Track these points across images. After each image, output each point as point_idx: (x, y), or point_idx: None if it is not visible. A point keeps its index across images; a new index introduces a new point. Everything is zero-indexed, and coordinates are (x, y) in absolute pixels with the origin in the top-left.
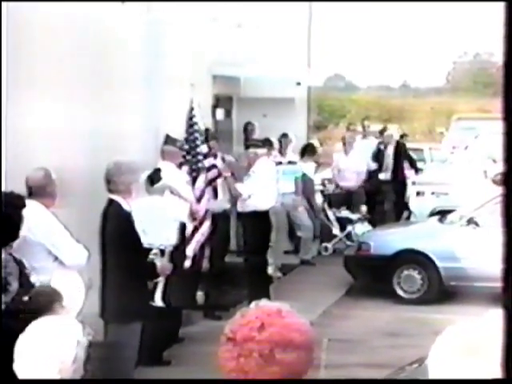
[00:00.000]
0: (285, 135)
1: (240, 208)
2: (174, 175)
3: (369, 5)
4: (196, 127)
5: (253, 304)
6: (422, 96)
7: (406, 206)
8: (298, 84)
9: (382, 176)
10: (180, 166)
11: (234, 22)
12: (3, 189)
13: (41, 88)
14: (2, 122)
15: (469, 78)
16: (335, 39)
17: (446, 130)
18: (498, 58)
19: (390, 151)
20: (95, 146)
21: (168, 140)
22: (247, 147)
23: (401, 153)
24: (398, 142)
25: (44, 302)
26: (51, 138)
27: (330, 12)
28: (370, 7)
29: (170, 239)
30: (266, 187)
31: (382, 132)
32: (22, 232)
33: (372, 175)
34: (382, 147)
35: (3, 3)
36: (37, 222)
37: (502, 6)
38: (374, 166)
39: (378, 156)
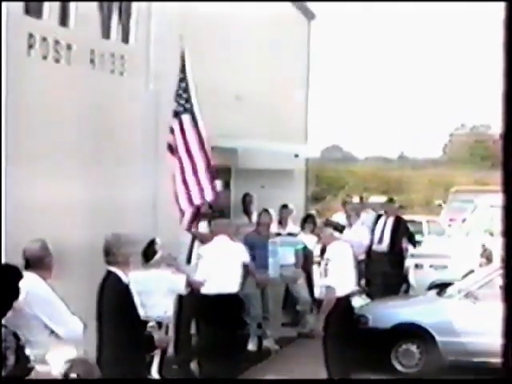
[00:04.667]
0: (285, 206)
1: (317, 294)
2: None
3: (366, 75)
4: None
5: None
6: (420, 168)
7: (404, 279)
8: (296, 156)
9: (380, 248)
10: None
11: (232, 94)
12: (2, 261)
13: (39, 161)
14: (1, 196)
15: (466, 151)
16: (333, 110)
17: (444, 202)
18: (495, 130)
19: (389, 224)
20: (93, 219)
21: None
22: (325, 225)
23: (400, 226)
24: (397, 216)
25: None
26: (50, 211)
27: (328, 84)
28: (367, 78)
29: (168, 311)
30: (345, 271)
31: (385, 204)
32: (19, 305)
33: (370, 247)
34: (383, 219)
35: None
36: (33, 296)
37: (499, 81)
38: (372, 238)
39: (378, 228)
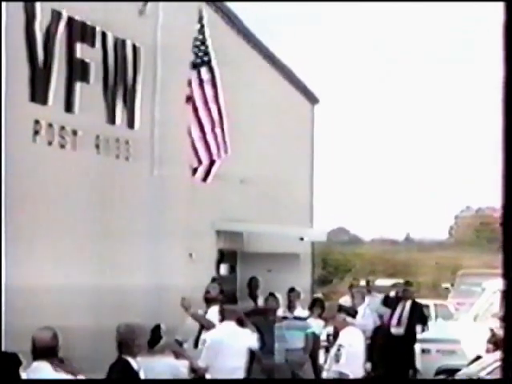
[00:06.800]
0: (292, 289)
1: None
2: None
3: (370, 158)
4: None
5: None
6: (427, 250)
7: (411, 364)
8: (301, 239)
9: (397, 331)
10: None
11: (237, 178)
12: (3, 347)
13: (42, 244)
14: (1, 277)
15: (472, 233)
16: (338, 193)
17: (451, 285)
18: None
19: (407, 308)
20: (97, 302)
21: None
22: (338, 310)
23: (416, 311)
24: (414, 301)
25: None
26: (51, 294)
27: (333, 166)
28: (372, 160)
29: None
30: (357, 358)
31: (402, 287)
32: None
33: (375, 330)
34: (402, 303)
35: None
36: None
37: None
38: (378, 321)
39: (397, 311)
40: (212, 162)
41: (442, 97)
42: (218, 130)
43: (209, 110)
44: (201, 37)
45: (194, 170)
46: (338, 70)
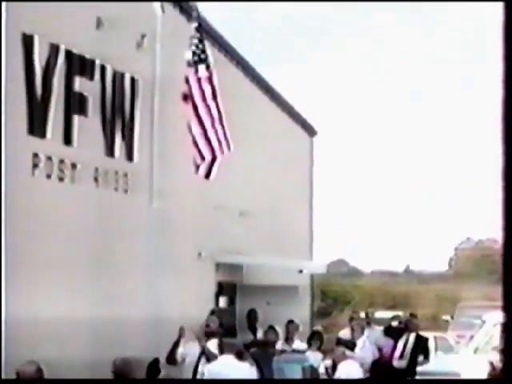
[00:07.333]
0: (291, 322)
1: None
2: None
3: (369, 189)
4: None
5: None
6: (427, 282)
7: None
8: (301, 271)
9: (400, 364)
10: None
11: (237, 210)
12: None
13: (41, 275)
14: (1, 310)
15: (472, 265)
16: (337, 224)
17: (451, 317)
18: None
19: (411, 341)
20: (95, 335)
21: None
22: (337, 343)
23: (420, 344)
24: (418, 334)
25: None
26: (50, 327)
27: (332, 198)
28: (371, 192)
29: None
30: None
31: (402, 317)
32: None
33: (378, 362)
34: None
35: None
36: None
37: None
38: (377, 354)
39: (400, 344)
40: (214, 158)
41: (443, 130)
42: (218, 126)
43: (208, 106)
44: (198, 35)
45: (197, 168)
46: (337, 102)
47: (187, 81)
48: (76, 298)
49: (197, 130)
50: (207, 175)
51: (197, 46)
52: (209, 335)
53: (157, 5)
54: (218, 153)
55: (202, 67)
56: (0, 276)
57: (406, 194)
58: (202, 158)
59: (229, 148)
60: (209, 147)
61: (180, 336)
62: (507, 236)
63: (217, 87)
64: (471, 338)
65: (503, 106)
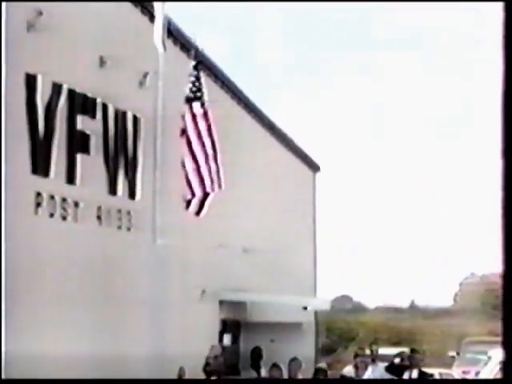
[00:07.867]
0: (294, 359)
1: None
2: None
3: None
4: None
5: None
6: (431, 317)
7: None
8: (305, 308)
9: None
10: None
11: (240, 247)
12: None
13: (44, 312)
14: (1, 345)
15: (477, 300)
16: (341, 260)
17: (457, 353)
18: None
19: (413, 377)
20: (97, 371)
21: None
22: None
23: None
24: (421, 370)
25: None
26: (53, 365)
27: (336, 234)
28: (375, 228)
29: None
30: None
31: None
32: None
33: None
34: (400, 369)
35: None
36: None
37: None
38: None
39: (395, 376)
40: (206, 195)
41: (446, 160)
42: (212, 164)
43: (202, 143)
44: (195, 73)
45: (188, 203)
46: (339, 137)
47: (183, 117)
48: (78, 337)
49: (190, 166)
50: (198, 212)
51: (193, 84)
52: (209, 374)
53: (159, 42)
54: (209, 190)
55: (196, 104)
56: (0, 312)
57: (410, 231)
58: (193, 194)
59: (220, 186)
60: (201, 184)
61: (180, 376)
62: (507, 271)
63: (212, 124)
64: (477, 373)
65: (503, 105)
